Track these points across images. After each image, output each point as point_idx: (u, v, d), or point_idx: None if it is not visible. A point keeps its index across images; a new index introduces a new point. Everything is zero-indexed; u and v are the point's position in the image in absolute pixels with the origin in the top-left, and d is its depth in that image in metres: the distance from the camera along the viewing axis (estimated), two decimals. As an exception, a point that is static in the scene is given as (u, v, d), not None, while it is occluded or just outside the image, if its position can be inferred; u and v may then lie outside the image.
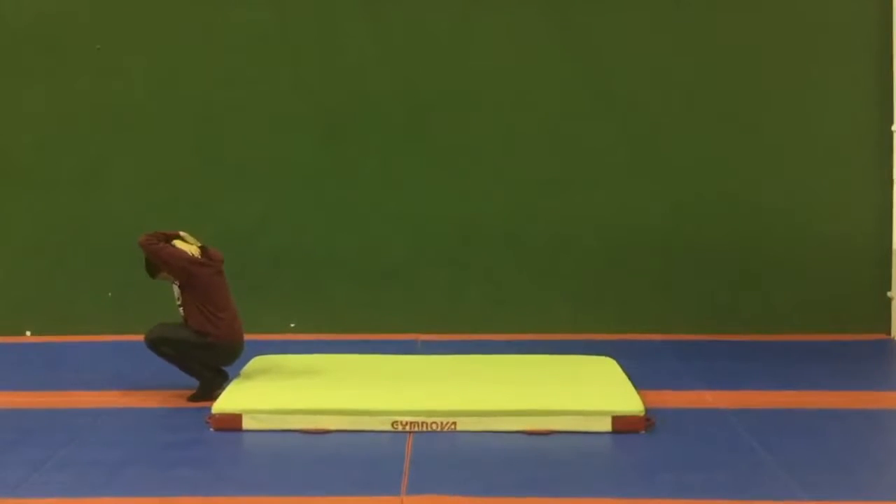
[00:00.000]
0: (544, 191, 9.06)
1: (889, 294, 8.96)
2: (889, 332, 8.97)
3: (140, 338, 8.71)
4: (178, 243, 7.00)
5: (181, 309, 7.01)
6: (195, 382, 6.95)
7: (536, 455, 5.85)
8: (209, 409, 6.37)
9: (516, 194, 9.07)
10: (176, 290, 7.04)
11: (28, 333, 9.03)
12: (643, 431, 6.19)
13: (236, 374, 7.03)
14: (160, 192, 9.00)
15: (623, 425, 6.18)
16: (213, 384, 6.87)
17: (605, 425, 6.19)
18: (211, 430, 6.26)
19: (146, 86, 9.01)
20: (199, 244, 7.08)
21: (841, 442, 6.08)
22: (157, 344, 6.93)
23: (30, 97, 9.01)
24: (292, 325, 9.04)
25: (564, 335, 8.72)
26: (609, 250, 9.05)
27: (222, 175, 9.03)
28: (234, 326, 7.00)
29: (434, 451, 5.89)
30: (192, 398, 6.86)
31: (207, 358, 6.94)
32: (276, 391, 6.66)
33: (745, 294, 9.03)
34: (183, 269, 6.90)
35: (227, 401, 6.43)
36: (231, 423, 6.26)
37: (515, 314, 9.05)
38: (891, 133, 8.91)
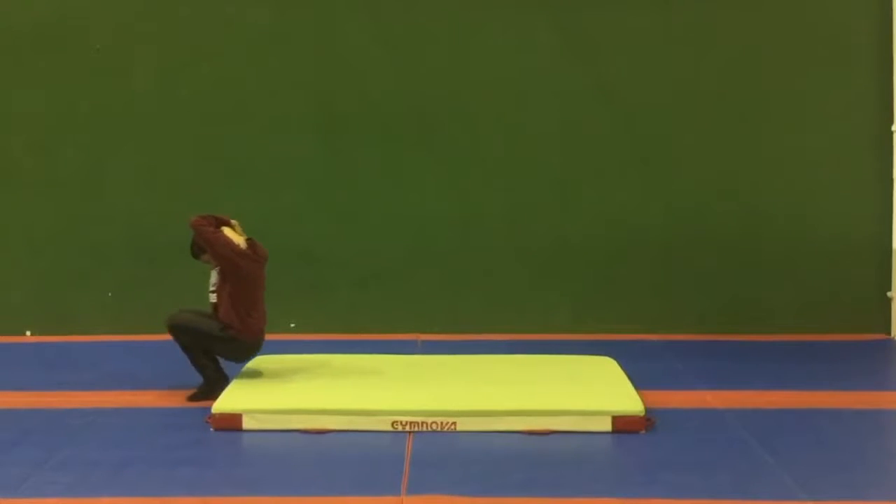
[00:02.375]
0: (544, 191, 9.07)
1: (889, 294, 8.97)
2: (889, 332, 8.98)
3: (140, 337, 8.78)
4: (227, 231, 6.97)
5: (214, 295, 6.98)
6: (195, 382, 6.94)
7: (536, 455, 5.84)
8: (209, 409, 6.37)
9: (517, 194, 9.08)
10: (214, 275, 7.01)
11: (28, 333, 9.04)
12: (643, 431, 6.18)
13: (236, 374, 7.02)
14: (160, 192, 9.01)
15: (623, 425, 6.18)
16: (215, 386, 6.84)
17: (605, 425, 6.19)
18: (211, 430, 6.26)
19: (146, 86, 9.02)
20: (247, 237, 7.04)
21: (841, 442, 6.08)
22: (177, 331, 6.91)
23: (30, 97, 9.02)
24: (292, 325, 9.04)
25: (564, 335, 8.72)
26: (609, 250, 9.06)
27: (222, 175, 9.03)
28: (259, 325, 6.98)
29: (434, 451, 5.88)
30: (192, 397, 6.85)
31: (225, 351, 6.93)
32: (276, 391, 6.66)
33: (745, 294, 9.04)
34: (228, 258, 6.87)
35: (227, 401, 6.42)
36: (231, 423, 6.25)
37: (515, 314, 9.06)
38: (891, 133, 8.91)
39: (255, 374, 7.05)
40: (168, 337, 8.53)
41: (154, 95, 9.02)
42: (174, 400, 6.89)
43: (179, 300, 8.86)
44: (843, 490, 5.27)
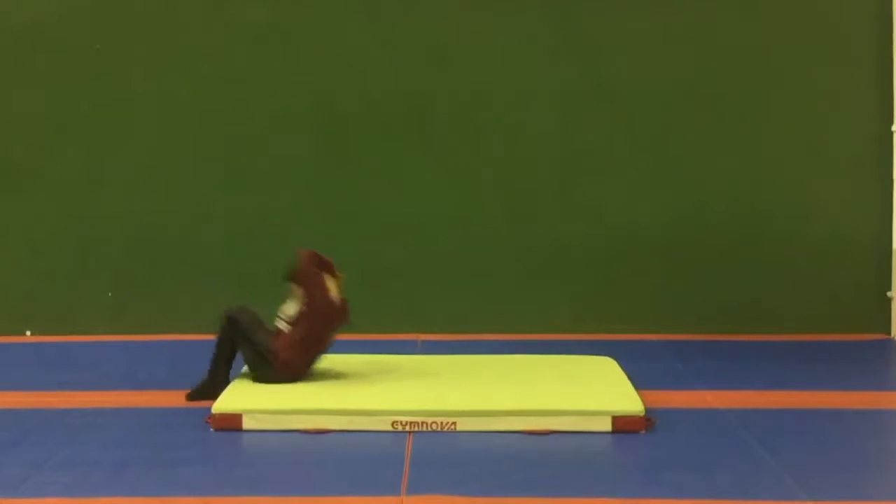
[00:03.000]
0: (544, 190, 9.07)
1: (889, 294, 8.97)
2: (889, 332, 8.98)
3: (140, 337, 8.79)
4: (328, 280, 6.92)
5: (284, 324, 6.88)
6: (193, 384, 6.92)
7: (536, 455, 5.85)
8: (209, 409, 6.36)
9: (517, 194, 9.07)
10: (292, 307, 6.92)
11: (28, 333, 9.03)
12: (643, 431, 6.18)
13: (236, 374, 7.02)
14: (160, 192, 9.01)
15: (623, 425, 6.18)
16: (216, 390, 6.76)
17: (605, 425, 6.18)
18: (211, 430, 6.26)
19: (146, 86, 9.01)
20: (342, 296, 6.98)
21: (841, 442, 6.08)
22: (229, 324, 6.84)
23: (30, 97, 9.01)
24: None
25: (564, 335, 8.71)
26: (609, 250, 9.05)
27: (222, 175, 9.03)
28: (302, 371, 6.88)
29: (434, 451, 5.88)
30: (191, 396, 6.83)
31: (254, 365, 6.84)
32: (276, 391, 6.65)
33: (745, 294, 9.03)
34: (319, 304, 6.83)
35: (227, 401, 6.42)
36: (231, 423, 6.25)
37: (515, 314, 9.05)
38: (891, 133, 8.91)
39: (255, 374, 7.05)
40: (167, 337, 8.60)
41: (154, 95, 9.01)
42: (174, 400, 6.88)
43: (180, 300, 8.90)
44: (843, 490, 5.27)
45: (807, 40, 8.96)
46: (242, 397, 6.51)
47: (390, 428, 6.20)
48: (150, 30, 9.00)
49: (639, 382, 6.81)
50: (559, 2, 8.98)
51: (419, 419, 6.20)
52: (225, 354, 6.91)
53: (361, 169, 9.06)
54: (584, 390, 6.63)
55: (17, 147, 9.05)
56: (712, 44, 8.98)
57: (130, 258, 9.03)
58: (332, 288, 6.92)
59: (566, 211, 9.06)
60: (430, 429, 6.18)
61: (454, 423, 6.19)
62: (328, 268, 6.96)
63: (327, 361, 7.43)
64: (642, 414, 6.23)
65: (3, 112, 9.02)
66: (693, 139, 9.01)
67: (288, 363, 6.78)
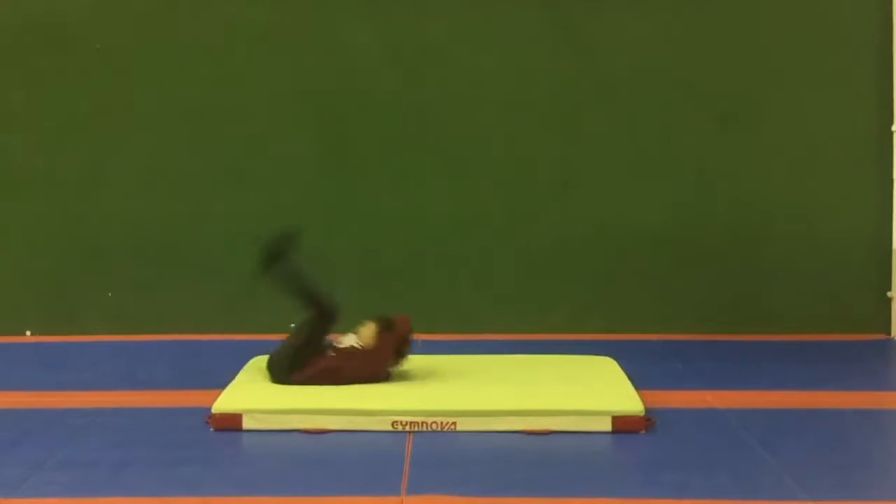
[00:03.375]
0: (545, 191, 9.07)
1: (889, 294, 8.97)
2: (889, 332, 8.98)
3: (140, 337, 8.79)
4: (393, 356, 6.98)
5: (334, 351, 6.94)
6: (193, 382, 6.92)
7: (536, 455, 5.85)
8: (209, 409, 6.36)
9: (517, 194, 9.07)
10: (349, 340, 7.00)
11: (28, 333, 9.03)
12: (643, 431, 6.18)
13: (236, 375, 7.02)
14: (160, 192, 9.01)
15: (623, 425, 6.18)
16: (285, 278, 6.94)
17: (605, 425, 6.19)
18: (211, 430, 6.26)
19: (146, 86, 9.00)
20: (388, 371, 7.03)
21: (841, 442, 6.08)
22: (331, 311, 6.92)
23: (30, 97, 9.01)
24: (292, 325, 9.00)
25: (564, 335, 8.71)
26: (609, 250, 9.05)
27: (222, 175, 9.03)
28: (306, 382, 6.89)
29: (434, 451, 5.88)
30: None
31: (283, 356, 6.86)
32: (276, 391, 6.65)
33: (745, 294, 9.03)
34: (371, 361, 6.88)
35: (227, 401, 6.42)
36: (231, 423, 6.25)
37: (515, 314, 9.05)
38: (891, 133, 8.91)
39: (256, 374, 7.04)
40: (167, 337, 8.63)
41: (154, 95, 9.01)
42: (174, 400, 6.89)
43: (180, 300, 8.90)
44: (843, 490, 5.27)
45: (807, 40, 8.96)
46: (242, 397, 6.51)
47: (390, 428, 6.20)
48: (150, 30, 9.00)
49: (639, 382, 6.81)
50: (559, 2, 8.98)
51: (419, 419, 6.20)
52: (309, 295, 6.95)
53: (362, 169, 9.06)
54: (584, 390, 6.63)
55: (17, 147, 9.04)
56: (712, 44, 8.98)
57: (130, 258, 9.03)
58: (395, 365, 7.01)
59: (566, 211, 9.06)
60: (430, 429, 6.18)
61: (454, 423, 6.20)
62: (405, 349, 7.01)
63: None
64: (642, 414, 6.23)
65: (3, 112, 9.03)
66: (693, 139, 9.01)
67: (308, 378, 6.78)
